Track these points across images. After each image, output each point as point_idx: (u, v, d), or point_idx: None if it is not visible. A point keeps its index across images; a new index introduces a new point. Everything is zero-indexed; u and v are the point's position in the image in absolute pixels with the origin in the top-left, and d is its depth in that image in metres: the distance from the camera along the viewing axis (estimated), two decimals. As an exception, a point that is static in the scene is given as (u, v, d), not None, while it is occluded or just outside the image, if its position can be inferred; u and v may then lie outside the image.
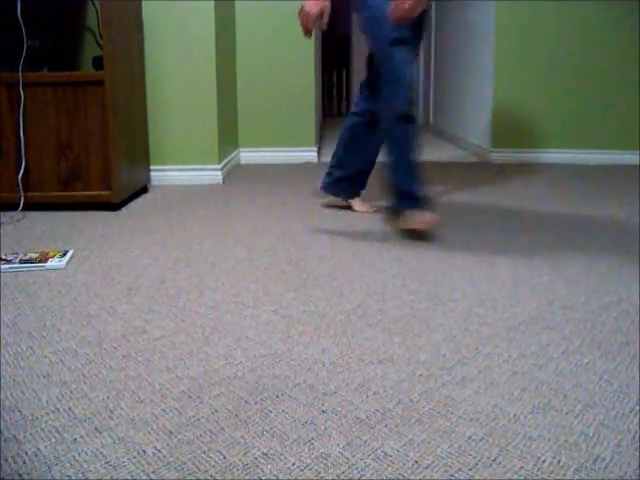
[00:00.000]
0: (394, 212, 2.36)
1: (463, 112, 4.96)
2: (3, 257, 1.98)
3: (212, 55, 3.31)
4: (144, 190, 3.17)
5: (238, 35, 4.11)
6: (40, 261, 1.95)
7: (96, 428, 1.06)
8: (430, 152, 4.77)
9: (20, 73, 2.57)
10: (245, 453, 0.98)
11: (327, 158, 4.41)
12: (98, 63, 2.73)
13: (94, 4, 3.03)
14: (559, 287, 1.74)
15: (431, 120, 6.40)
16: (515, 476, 0.92)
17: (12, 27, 2.62)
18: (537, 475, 0.92)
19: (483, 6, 4.31)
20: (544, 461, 0.95)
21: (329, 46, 8.24)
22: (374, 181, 2.86)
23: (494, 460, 0.96)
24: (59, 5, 3.09)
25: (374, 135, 2.54)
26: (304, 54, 4.14)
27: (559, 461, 0.95)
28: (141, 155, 3.11)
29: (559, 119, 4.17)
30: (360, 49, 8.47)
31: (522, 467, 0.94)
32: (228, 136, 3.80)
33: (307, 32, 2.36)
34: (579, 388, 1.18)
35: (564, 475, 0.92)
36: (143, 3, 3.19)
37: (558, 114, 4.16)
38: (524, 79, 4.12)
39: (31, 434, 1.04)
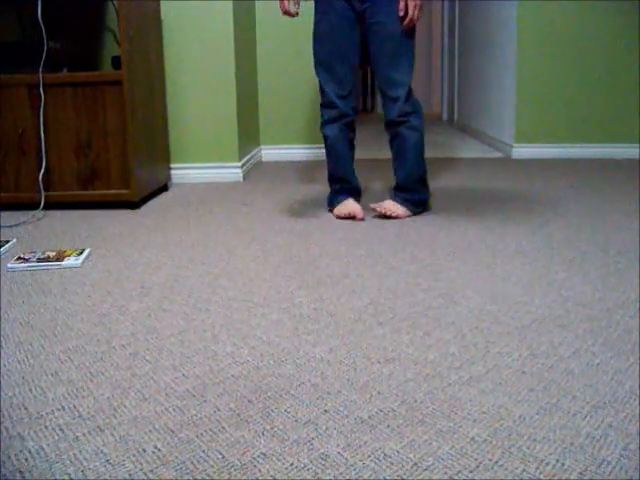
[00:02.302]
0: None
1: (486, 108, 4.90)
2: (21, 256, 2.01)
3: (231, 53, 3.32)
4: (164, 188, 3.19)
5: (258, 32, 4.11)
6: (57, 260, 1.97)
7: (98, 426, 1.06)
8: (453, 148, 4.73)
9: (40, 74, 2.60)
10: (244, 453, 0.98)
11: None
12: (117, 62, 2.75)
13: (113, 4, 3.05)
14: (575, 284, 1.71)
15: (456, 116, 6.34)
16: (516, 479, 0.90)
17: (33, 28, 2.66)
18: (539, 478, 0.90)
19: (506, 2, 4.24)
20: (547, 464, 0.93)
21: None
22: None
23: (496, 462, 0.94)
24: (79, 6, 3.12)
25: None
26: (325, 51, 4.12)
27: (563, 464, 0.93)
28: (161, 154, 3.13)
29: (582, 114, 4.09)
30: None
31: (524, 470, 0.92)
32: (249, 133, 3.81)
33: (285, 13, 2.43)
34: (589, 389, 1.15)
35: (567, 478, 0.90)
36: (162, 2, 3.21)
37: (581, 109, 4.08)
38: (546, 74, 4.05)
39: (35, 431, 1.05)
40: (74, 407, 1.13)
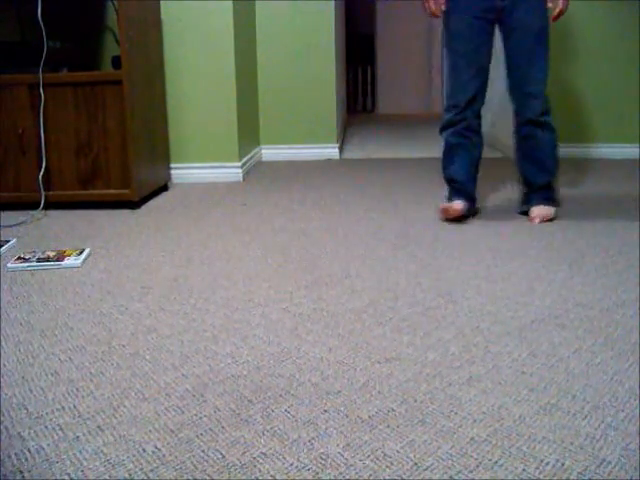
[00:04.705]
0: None
1: (486, 108, 4.89)
2: (22, 256, 2.01)
3: (231, 53, 3.32)
4: (164, 188, 3.19)
5: (258, 32, 4.11)
6: (57, 260, 1.97)
7: (99, 426, 1.06)
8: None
9: (40, 74, 2.60)
10: (244, 452, 0.98)
11: (350, 154, 4.40)
12: (117, 62, 2.75)
13: (113, 4, 3.05)
14: (575, 284, 1.71)
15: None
16: (516, 479, 0.90)
17: (33, 28, 2.66)
18: (539, 478, 0.90)
19: None
20: (547, 463, 0.93)
21: (354, 43, 8.21)
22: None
23: (496, 462, 0.94)
24: (79, 6, 3.12)
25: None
26: (324, 50, 4.12)
27: (562, 464, 0.93)
28: (161, 153, 3.13)
29: (582, 114, 4.09)
30: (384, 46, 8.42)
31: (524, 470, 0.92)
32: (249, 133, 3.81)
33: (431, 14, 2.44)
34: (589, 388, 1.15)
35: (567, 478, 0.90)
36: (162, 2, 3.21)
37: (581, 109, 4.08)
38: (548, 72, 4.05)
39: (35, 431, 1.05)
40: (74, 407, 1.13)
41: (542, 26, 2.33)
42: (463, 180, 2.48)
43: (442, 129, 2.49)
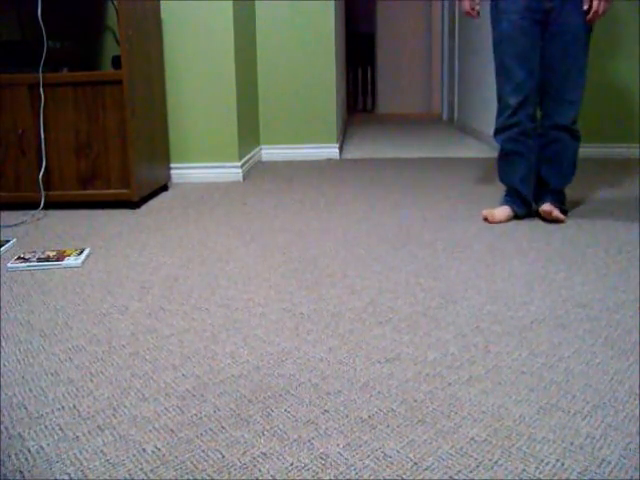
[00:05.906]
0: None
1: (486, 108, 4.90)
2: (22, 255, 2.01)
3: (231, 53, 3.32)
4: (164, 188, 3.19)
5: (258, 32, 4.11)
6: (57, 259, 1.97)
7: (99, 426, 1.06)
8: (453, 148, 4.73)
9: (40, 74, 2.60)
10: (244, 452, 0.98)
11: (350, 154, 4.40)
12: (117, 62, 2.75)
13: (113, 4, 3.05)
14: (575, 284, 1.71)
15: (456, 116, 6.34)
16: (516, 479, 0.90)
17: (33, 28, 2.66)
18: (539, 478, 0.90)
19: None
20: (547, 463, 0.93)
21: (354, 43, 8.21)
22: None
23: (496, 462, 0.94)
24: (79, 5, 3.12)
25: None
26: (325, 50, 4.13)
27: (562, 464, 0.93)
28: (161, 153, 3.13)
29: (582, 114, 4.08)
30: (384, 46, 8.42)
31: (524, 469, 0.92)
32: (249, 133, 3.81)
33: (466, 14, 2.48)
34: (589, 388, 1.15)
35: (567, 478, 0.90)
36: (162, 2, 3.21)
37: (581, 109, 4.08)
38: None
39: (35, 431, 1.05)
40: (74, 407, 1.13)
41: (588, 32, 2.31)
42: (518, 186, 2.47)
43: (496, 133, 2.48)
